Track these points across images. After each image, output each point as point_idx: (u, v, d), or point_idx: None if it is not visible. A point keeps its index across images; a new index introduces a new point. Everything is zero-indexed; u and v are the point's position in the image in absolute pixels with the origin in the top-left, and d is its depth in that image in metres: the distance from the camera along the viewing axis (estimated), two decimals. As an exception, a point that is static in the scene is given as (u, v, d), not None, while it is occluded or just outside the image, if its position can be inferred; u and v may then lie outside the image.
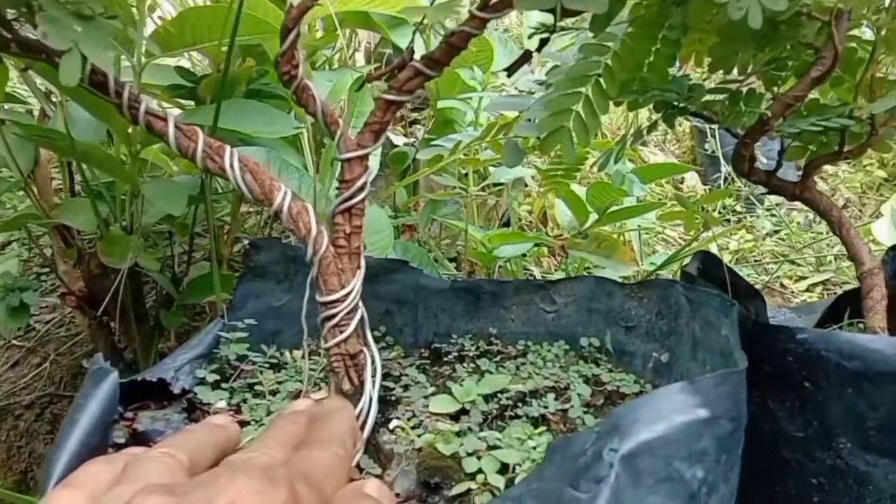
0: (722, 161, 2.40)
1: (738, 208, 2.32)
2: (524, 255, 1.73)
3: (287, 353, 0.77)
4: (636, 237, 1.84)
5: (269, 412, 0.67)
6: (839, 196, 2.37)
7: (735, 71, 0.66)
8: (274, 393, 0.71)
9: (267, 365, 0.75)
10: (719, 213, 2.26)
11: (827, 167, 2.53)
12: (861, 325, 0.65)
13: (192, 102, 1.14)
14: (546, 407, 0.64)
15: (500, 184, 1.69)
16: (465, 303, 0.81)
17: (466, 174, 1.39)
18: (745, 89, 0.63)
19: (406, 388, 0.71)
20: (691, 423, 0.43)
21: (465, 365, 0.74)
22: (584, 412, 0.64)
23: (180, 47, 0.96)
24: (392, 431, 0.64)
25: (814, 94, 0.73)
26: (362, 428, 0.60)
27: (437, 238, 1.73)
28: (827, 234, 2.10)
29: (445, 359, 0.77)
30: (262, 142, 1.10)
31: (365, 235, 1.28)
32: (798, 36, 0.61)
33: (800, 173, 0.69)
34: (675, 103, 0.66)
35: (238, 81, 1.16)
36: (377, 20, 1.24)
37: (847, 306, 0.71)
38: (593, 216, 1.30)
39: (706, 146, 2.51)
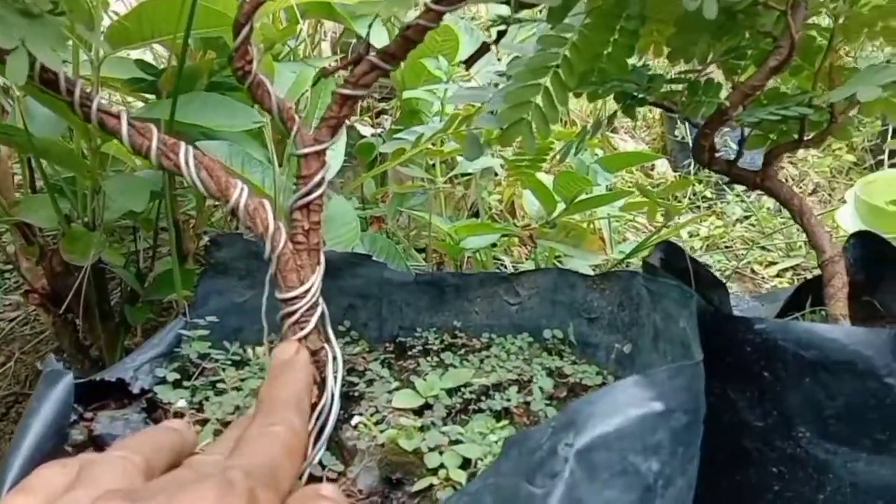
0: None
1: (708, 194, 2.33)
2: (494, 245, 1.73)
3: (250, 350, 0.76)
4: (606, 225, 1.84)
5: (235, 409, 0.66)
6: (809, 181, 2.38)
7: (695, 61, 0.66)
8: (237, 390, 0.71)
9: (229, 362, 0.74)
10: (689, 199, 2.27)
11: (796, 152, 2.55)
12: (823, 313, 0.65)
13: (153, 96, 1.13)
14: (509, 400, 0.64)
15: (469, 174, 1.68)
16: (429, 296, 0.81)
17: (434, 165, 1.39)
18: (703, 79, 0.62)
19: (370, 383, 0.70)
20: (646, 417, 0.42)
21: (429, 359, 0.74)
22: (547, 405, 0.64)
23: (138, 41, 0.95)
24: (355, 428, 0.63)
25: (775, 83, 0.74)
26: (324, 426, 0.59)
27: (406, 229, 1.72)
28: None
29: (410, 353, 0.77)
30: (225, 135, 1.08)
31: (331, 228, 1.28)
32: (756, 25, 0.61)
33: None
34: (635, 94, 0.65)
35: (199, 74, 1.14)
36: (340, 11, 1.22)
37: (809, 294, 0.71)
38: (561, 206, 1.30)
39: (676, 133, 2.52)
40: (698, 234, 2.10)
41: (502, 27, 0.61)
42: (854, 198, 1.07)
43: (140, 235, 1.37)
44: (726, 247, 1.98)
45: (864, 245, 0.73)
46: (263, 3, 0.53)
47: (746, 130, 0.69)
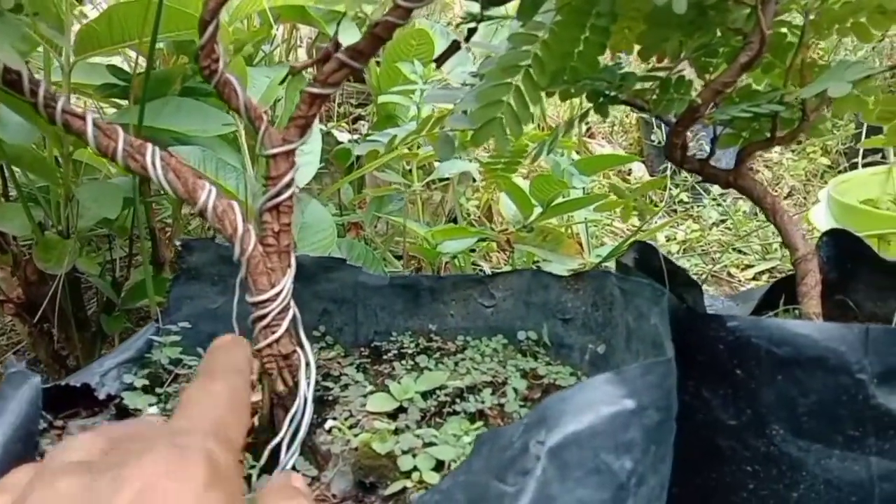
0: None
1: (684, 198, 2.33)
2: (473, 250, 1.73)
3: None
4: (583, 229, 1.84)
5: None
6: (784, 184, 2.40)
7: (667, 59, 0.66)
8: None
9: (202, 368, 0.73)
10: (666, 203, 2.28)
11: (771, 155, 2.57)
12: (797, 312, 0.65)
13: (126, 102, 1.11)
14: (483, 402, 0.63)
15: (446, 179, 1.68)
16: (404, 300, 0.80)
17: (410, 170, 1.38)
18: (674, 77, 0.62)
19: (344, 387, 0.70)
20: (618, 414, 0.42)
21: (403, 362, 0.73)
22: (521, 406, 0.63)
23: (109, 45, 0.94)
24: (329, 432, 0.63)
25: (747, 80, 0.74)
26: (297, 431, 0.59)
27: (385, 235, 1.71)
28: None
29: (385, 357, 0.76)
30: (199, 140, 1.07)
31: (307, 235, 1.27)
32: (727, 21, 0.61)
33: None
34: (607, 92, 0.65)
35: (172, 79, 1.13)
36: (314, 14, 1.22)
37: (783, 293, 0.71)
38: (538, 209, 1.30)
39: (652, 137, 2.53)
40: (675, 238, 2.11)
41: (472, 25, 0.61)
42: (827, 197, 1.07)
43: (116, 243, 1.36)
44: (703, 250, 1.98)
45: (837, 243, 0.73)
46: (227, 1, 0.52)
47: (719, 129, 0.69)
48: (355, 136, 1.74)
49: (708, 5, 0.58)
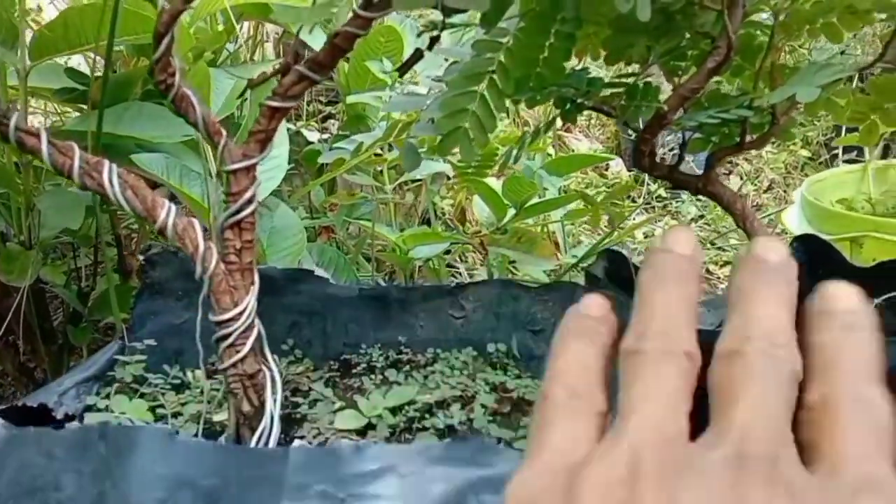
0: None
1: (662, 194, 2.33)
2: (448, 251, 1.71)
3: (190, 374, 0.74)
4: (559, 228, 1.83)
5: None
6: (764, 177, 2.39)
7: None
8: (176, 416, 0.68)
9: (169, 386, 0.72)
10: (644, 199, 2.27)
11: (777, 141, 2.56)
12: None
13: (86, 107, 1.09)
14: (452, 418, 0.62)
15: (419, 180, 1.66)
16: (373, 311, 0.79)
17: (381, 171, 1.36)
18: (641, 83, 0.61)
19: (313, 404, 0.68)
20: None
21: (373, 377, 0.72)
22: (490, 421, 0.62)
23: (66, 49, 0.91)
24: (298, 451, 0.61)
25: (718, 84, 0.73)
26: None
27: (357, 238, 1.69)
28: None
29: (355, 371, 0.75)
30: (162, 147, 1.05)
31: (277, 241, 1.25)
32: (694, 25, 0.60)
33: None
34: (574, 99, 0.64)
35: (132, 82, 1.11)
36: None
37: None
38: (512, 211, 1.29)
39: (630, 131, 2.52)
40: (653, 235, 2.10)
41: (435, 33, 0.60)
42: (801, 198, 1.07)
43: (81, 252, 1.33)
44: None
45: (807, 248, 0.73)
46: (182, 12, 0.50)
47: (689, 134, 0.68)
48: (325, 136, 1.72)
49: (674, 10, 0.57)
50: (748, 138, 0.64)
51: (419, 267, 1.51)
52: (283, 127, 1.28)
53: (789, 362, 0.30)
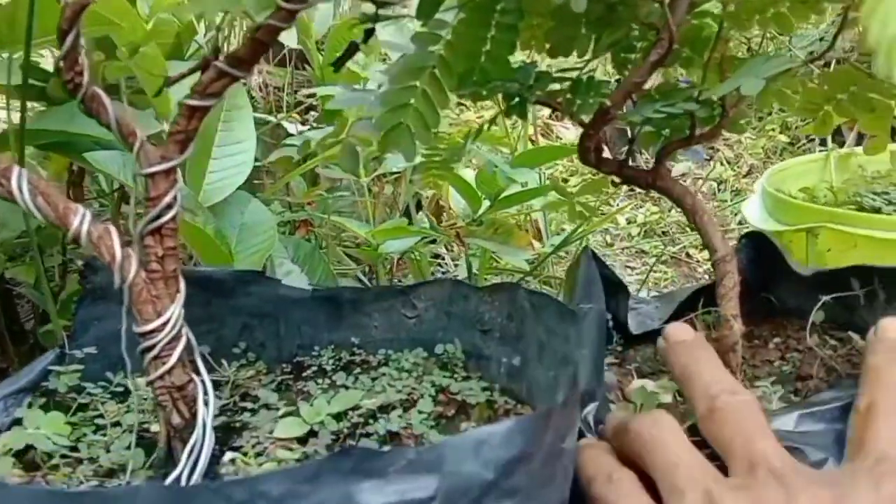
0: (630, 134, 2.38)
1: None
2: (434, 241, 1.69)
3: (134, 382, 0.71)
4: (542, 217, 1.81)
5: (108, 447, 0.62)
6: (743, 163, 2.38)
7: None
8: (116, 425, 0.66)
9: (109, 395, 0.69)
10: (628, 187, 2.25)
11: (731, 134, 2.54)
12: (717, 314, 0.62)
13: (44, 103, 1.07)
14: (391, 423, 0.60)
15: (398, 172, 1.64)
16: (326, 312, 0.77)
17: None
18: (585, 77, 0.59)
19: (255, 411, 0.66)
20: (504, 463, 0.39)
21: (320, 381, 0.70)
22: (432, 426, 0.60)
23: (15, 44, 0.89)
24: (233, 463, 0.59)
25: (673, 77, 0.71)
26: (196, 463, 0.55)
27: (336, 233, 1.67)
28: (731, 201, 2.12)
29: (306, 373, 0.73)
30: (120, 145, 1.03)
31: (247, 237, 1.23)
32: (639, 16, 0.58)
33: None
34: (520, 94, 0.61)
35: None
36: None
37: (702, 295, 0.69)
38: (487, 203, 1.27)
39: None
40: (635, 221, 2.09)
41: (369, 26, 0.57)
42: (761, 189, 1.05)
43: (55, 251, 1.31)
44: (663, 232, 1.96)
45: (758, 243, 0.71)
46: (87, 7, 0.48)
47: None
48: (307, 128, 1.69)
49: (615, 1, 0.55)
50: (698, 131, 0.61)
51: (397, 260, 1.49)
52: (250, 120, 1.25)
53: None
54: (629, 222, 2.10)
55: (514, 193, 1.25)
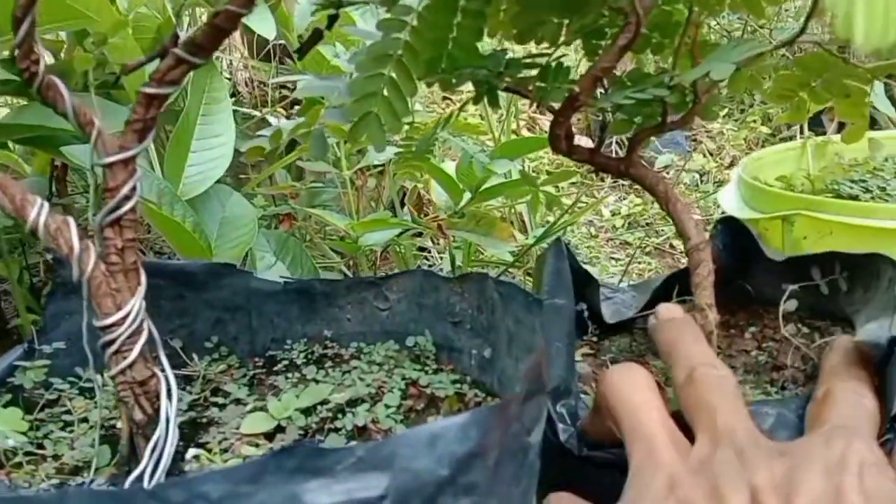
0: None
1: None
2: (420, 234, 1.68)
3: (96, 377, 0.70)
4: (526, 209, 1.80)
5: (71, 442, 0.61)
6: (725, 154, 2.38)
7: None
8: (83, 421, 0.65)
9: (77, 391, 0.68)
10: (612, 178, 2.24)
11: (713, 126, 2.55)
12: (691, 302, 0.61)
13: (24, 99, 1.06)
14: (357, 417, 0.59)
15: (380, 165, 1.63)
16: (299, 305, 0.75)
17: (339, 157, 1.33)
18: (553, 63, 0.58)
19: (225, 406, 0.65)
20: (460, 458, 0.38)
21: (289, 375, 0.69)
22: (401, 420, 0.59)
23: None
24: (197, 459, 0.58)
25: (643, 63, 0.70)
26: (160, 460, 0.54)
27: (320, 227, 1.66)
28: (713, 192, 2.12)
29: (277, 367, 0.72)
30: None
31: (227, 231, 1.22)
32: (608, 1, 0.57)
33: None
34: (490, 81, 0.60)
35: (71, 72, 1.07)
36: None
37: (677, 283, 0.68)
38: (468, 195, 1.26)
39: (600, 118, 2.49)
40: (619, 213, 2.08)
41: (332, 11, 0.56)
42: (737, 178, 1.04)
43: (29, 247, 1.30)
44: (647, 223, 1.96)
45: (732, 230, 0.70)
46: (39, -1, 0.47)
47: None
48: (293, 122, 1.68)
49: (583, -16, 0.54)
50: (670, 118, 0.60)
51: (382, 252, 1.48)
52: (229, 113, 1.24)
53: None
54: (613, 214, 2.10)
55: (494, 185, 1.24)
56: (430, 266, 1.77)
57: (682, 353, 0.52)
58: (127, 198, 0.52)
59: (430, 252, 1.80)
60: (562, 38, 0.60)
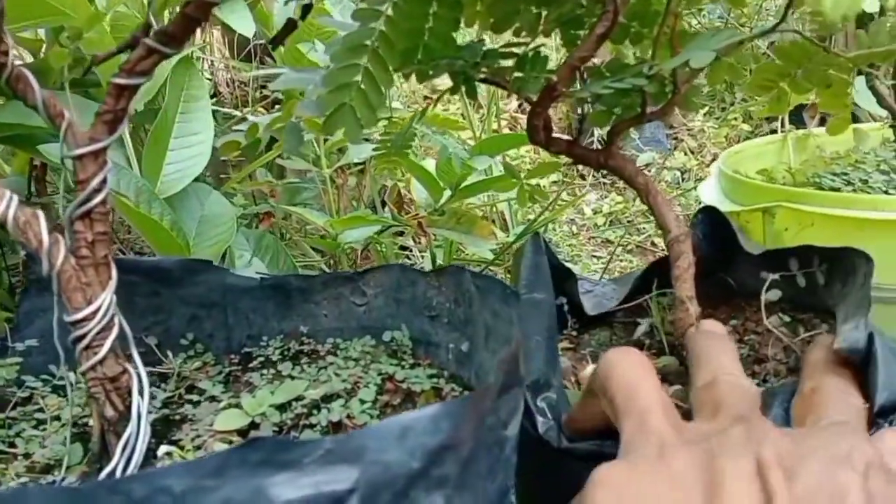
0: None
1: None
2: (402, 233, 1.67)
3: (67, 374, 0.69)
4: (507, 207, 1.80)
5: (42, 441, 0.59)
6: (707, 152, 2.38)
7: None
8: (56, 419, 0.64)
9: (51, 389, 0.67)
10: (594, 176, 2.25)
11: (694, 124, 2.55)
12: (672, 295, 0.61)
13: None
14: (331, 413, 0.59)
15: (361, 163, 1.62)
16: (275, 301, 0.75)
17: (319, 155, 1.32)
18: (530, 53, 0.57)
19: (197, 403, 0.64)
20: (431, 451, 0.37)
21: (265, 372, 0.68)
22: (378, 415, 0.59)
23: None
24: (170, 456, 0.57)
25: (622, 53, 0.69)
26: (131, 457, 0.53)
27: (300, 225, 1.65)
28: (695, 189, 2.12)
29: (253, 364, 0.71)
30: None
31: (206, 230, 1.20)
32: (585, -11, 0.56)
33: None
34: (467, 72, 0.60)
35: (49, 70, 1.05)
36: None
37: (656, 276, 0.67)
38: (448, 192, 1.25)
39: (579, 110, 2.49)
40: (601, 211, 2.08)
41: (306, 1, 0.55)
42: (717, 171, 1.04)
43: (9, 248, 1.28)
44: (628, 221, 1.96)
45: (712, 220, 0.70)
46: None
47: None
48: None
49: (559, -27, 0.53)
50: (649, 109, 0.60)
51: (362, 251, 1.47)
52: (208, 111, 1.23)
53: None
54: (595, 212, 2.10)
55: (474, 182, 1.24)
56: (411, 265, 1.76)
57: (711, 361, 0.51)
58: (97, 190, 0.51)
59: (411, 251, 1.80)
60: (540, 28, 0.59)
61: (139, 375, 0.55)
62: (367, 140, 1.25)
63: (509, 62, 0.60)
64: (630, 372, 0.48)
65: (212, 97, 1.98)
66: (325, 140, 1.35)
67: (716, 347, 0.53)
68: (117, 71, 0.50)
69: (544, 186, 2.24)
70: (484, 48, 0.61)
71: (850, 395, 0.50)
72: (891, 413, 0.49)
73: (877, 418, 0.48)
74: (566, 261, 1.87)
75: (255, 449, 0.36)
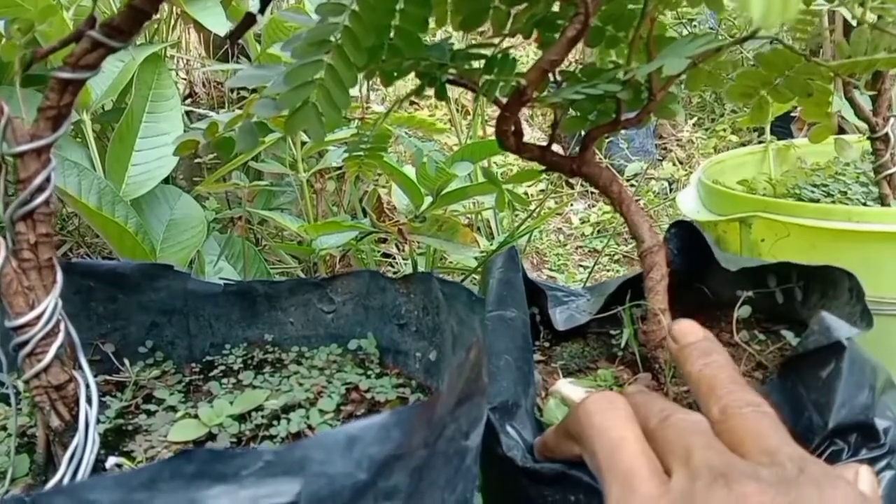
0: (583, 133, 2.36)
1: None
2: (384, 240, 1.64)
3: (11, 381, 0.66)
4: (493, 215, 1.78)
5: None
6: (695, 162, 2.37)
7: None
8: (2, 429, 0.61)
9: (-1, 397, 0.65)
10: (581, 185, 2.23)
11: (682, 134, 2.54)
12: (645, 307, 0.59)
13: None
14: (290, 424, 0.56)
15: (340, 167, 1.60)
16: (240, 308, 0.72)
17: (296, 159, 1.30)
18: (499, 55, 0.55)
19: (152, 413, 0.61)
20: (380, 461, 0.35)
21: (225, 381, 0.65)
22: (339, 426, 0.56)
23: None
24: (119, 467, 0.54)
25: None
26: (78, 468, 0.51)
27: (279, 230, 1.62)
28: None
29: (214, 373, 0.68)
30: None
31: (175, 234, 1.17)
32: (557, -11, 0.54)
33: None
34: (432, 72, 0.58)
35: (8, 67, 1.03)
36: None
37: (630, 288, 0.65)
38: (429, 199, 1.23)
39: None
40: (589, 220, 2.06)
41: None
42: (697, 181, 1.02)
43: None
44: (616, 230, 1.94)
45: (686, 233, 0.68)
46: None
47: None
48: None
49: (530, -30, 0.51)
50: (624, 115, 0.58)
51: (342, 258, 1.45)
52: (177, 111, 1.20)
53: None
54: (582, 221, 2.08)
55: (456, 189, 1.21)
56: (394, 273, 1.74)
57: (719, 388, 0.45)
58: (40, 190, 0.48)
59: (394, 258, 1.77)
60: (508, 28, 0.57)
61: (87, 384, 0.52)
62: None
63: (478, 64, 0.58)
64: (611, 426, 0.44)
65: (187, 97, 1.95)
66: (304, 143, 1.33)
67: (712, 366, 0.48)
68: (60, 64, 0.47)
69: (531, 195, 2.22)
70: (452, 48, 0.59)
71: (762, 406, 0.44)
72: (849, 432, 0.47)
73: (834, 437, 0.46)
74: (552, 270, 1.85)
75: (190, 460, 0.33)
